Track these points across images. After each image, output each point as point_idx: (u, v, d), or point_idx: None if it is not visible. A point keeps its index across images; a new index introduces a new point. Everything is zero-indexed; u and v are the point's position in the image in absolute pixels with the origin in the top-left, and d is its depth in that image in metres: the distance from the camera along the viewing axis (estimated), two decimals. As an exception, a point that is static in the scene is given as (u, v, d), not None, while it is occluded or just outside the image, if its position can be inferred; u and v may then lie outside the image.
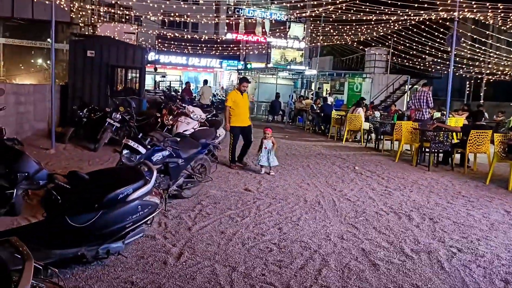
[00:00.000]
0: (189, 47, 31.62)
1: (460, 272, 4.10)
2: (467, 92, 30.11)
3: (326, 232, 5.09)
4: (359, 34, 25.14)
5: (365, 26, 23.09)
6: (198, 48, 31.68)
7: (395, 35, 24.49)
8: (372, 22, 20.92)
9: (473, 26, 25.26)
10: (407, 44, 24.60)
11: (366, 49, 28.65)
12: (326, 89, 30.13)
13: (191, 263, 4.02)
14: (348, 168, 9.44)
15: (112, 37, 17.85)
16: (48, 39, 31.22)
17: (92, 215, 3.51)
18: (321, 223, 5.43)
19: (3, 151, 3.21)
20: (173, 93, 22.22)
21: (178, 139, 5.96)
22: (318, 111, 17.67)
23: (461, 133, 10.43)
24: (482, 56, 25.25)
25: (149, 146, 5.53)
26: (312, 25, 31.59)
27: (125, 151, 5.45)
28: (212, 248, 4.42)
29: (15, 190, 3.04)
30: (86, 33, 23.70)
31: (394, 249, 4.64)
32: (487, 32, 25.29)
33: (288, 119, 21.50)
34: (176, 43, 31.16)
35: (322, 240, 4.82)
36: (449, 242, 4.94)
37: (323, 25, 24.04)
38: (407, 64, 27.29)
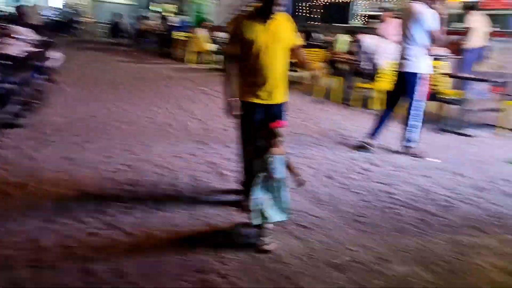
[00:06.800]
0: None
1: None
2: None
3: (178, 150, 5.27)
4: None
5: None
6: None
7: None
8: None
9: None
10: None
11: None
12: (171, 10, 29.01)
13: (38, 192, 3.86)
14: (197, 89, 9.61)
15: None
16: None
17: None
18: (172, 142, 5.58)
19: None
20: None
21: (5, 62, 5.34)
22: (165, 32, 17.24)
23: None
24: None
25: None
26: None
27: None
28: (60, 175, 4.27)
29: None
30: None
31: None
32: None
33: (133, 41, 20.47)
34: None
35: (173, 158, 4.99)
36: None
37: None
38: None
